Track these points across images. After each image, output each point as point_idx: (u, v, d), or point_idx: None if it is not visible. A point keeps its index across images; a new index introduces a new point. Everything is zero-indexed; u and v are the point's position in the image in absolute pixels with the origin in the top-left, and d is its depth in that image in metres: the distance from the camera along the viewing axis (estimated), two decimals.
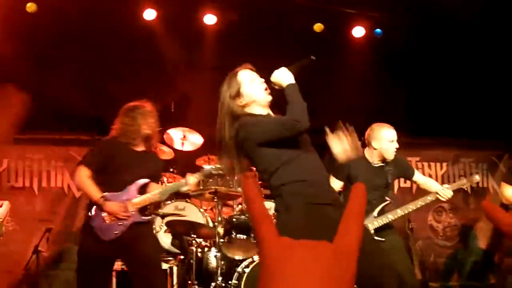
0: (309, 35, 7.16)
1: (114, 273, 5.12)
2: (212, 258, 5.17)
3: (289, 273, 0.56)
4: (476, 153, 7.65)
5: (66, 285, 6.01)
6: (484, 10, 6.36)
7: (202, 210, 5.91)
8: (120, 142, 4.10)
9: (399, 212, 4.48)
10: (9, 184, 6.70)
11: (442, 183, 7.32)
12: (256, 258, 4.93)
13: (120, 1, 6.71)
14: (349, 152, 2.95)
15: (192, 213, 5.81)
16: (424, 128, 7.29)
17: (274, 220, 3.06)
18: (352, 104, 6.71)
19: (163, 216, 5.41)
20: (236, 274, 4.91)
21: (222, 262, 5.05)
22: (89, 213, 3.99)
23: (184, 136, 6.58)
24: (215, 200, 5.43)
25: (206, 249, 5.27)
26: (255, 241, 4.84)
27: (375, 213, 4.41)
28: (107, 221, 3.96)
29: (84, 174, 4.04)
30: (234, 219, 5.19)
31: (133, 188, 4.05)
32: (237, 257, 5.09)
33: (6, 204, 5.25)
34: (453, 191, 4.57)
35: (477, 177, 4.85)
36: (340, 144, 2.94)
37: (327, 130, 2.97)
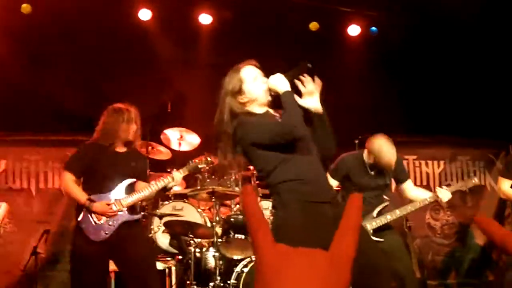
0: (305, 34, 7.16)
1: (112, 274, 5.12)
2: (211, 258, 5.17)
3: (285, 280, 0.57)
4: (473, 151, 7.65)
5: (63, 286, 6.01)
6: (480, 8, 6.37)
7: (200, 210, 5.91)
8: (101, 145, 4.14)
9: (398, 212, 4.48)
10: (6, 185, 6.68)
11: (440, 181, 7.37)
12: (254, 257, 4.92)
13: (115, 1, 6.69)
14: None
15: (190, 213, 5.81)
16: (420, 126, 7.29)
17: (272, 217, 3.10)
18: (348, 102, 6.71)
19: (161, 217, 5.41)
20: (234, 274, 4.91)
21: (221, 262, 5.05)
22: (79, 216, 4.01)
23: (181, 136, 6.58)
24: (213, 200, 5.43)
25: (204, 249, 5.26)
26: None
27: (374, 213, 4.41)
28: (96, 222, 3.98)
29: (68, 179, 4.09)
30: (232, 219, 5.19)
31: (120, 188, 4.09)
32: (235, 257, 5.09)
33: (4, 205, 5.25)
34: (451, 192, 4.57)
35: (475, 180, 4.85)
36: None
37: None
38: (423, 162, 7.51)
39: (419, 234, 7.19)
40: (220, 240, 5.11)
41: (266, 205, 5.57)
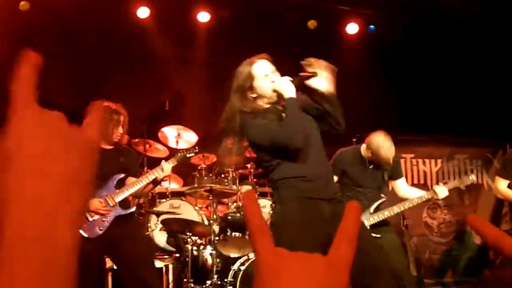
0: (303, 32, 7.16)
1: (110, 272, 5.11)
2: (208, 256, 5.17)
3: (284, 284, 0.57)
4: (470, 149, 7.66)
5: None
6: (478, 6, 6.38)
7: (197, 208, 5.91)
8: None
9: (396, 209, 4.49)
10: None
11: (437, 179, 7.37)
12: (251, 255, 4.93)
13: None
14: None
15: (187, 211, 5.81)
16: (418, 125, 7.30)
17: (271, 213, 3.15)
18: (346, 101, 6.70)
19: (158, 214, 5.41)
20: (231, 272, 4.91)
21: (218, 260, 5.05)
22: None
23: (179, 134, 6.58)
24: (210, 198, 5.43)
25: (201, 247, 5.27)
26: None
27: (372, 209, 4.42)
28: (90, 219, 3.98)
29: None
30: (229, 217, 5.20)
31: (111, 183, 4.10)
32: (232, 255, 5.09)
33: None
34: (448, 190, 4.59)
35: (472, 178, 4.86)
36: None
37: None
38: (420, 161, 7.51)
39: (416, 232, 7.19)
40: (217, 238, 5.11)
41: (263, 203, 5.59)
